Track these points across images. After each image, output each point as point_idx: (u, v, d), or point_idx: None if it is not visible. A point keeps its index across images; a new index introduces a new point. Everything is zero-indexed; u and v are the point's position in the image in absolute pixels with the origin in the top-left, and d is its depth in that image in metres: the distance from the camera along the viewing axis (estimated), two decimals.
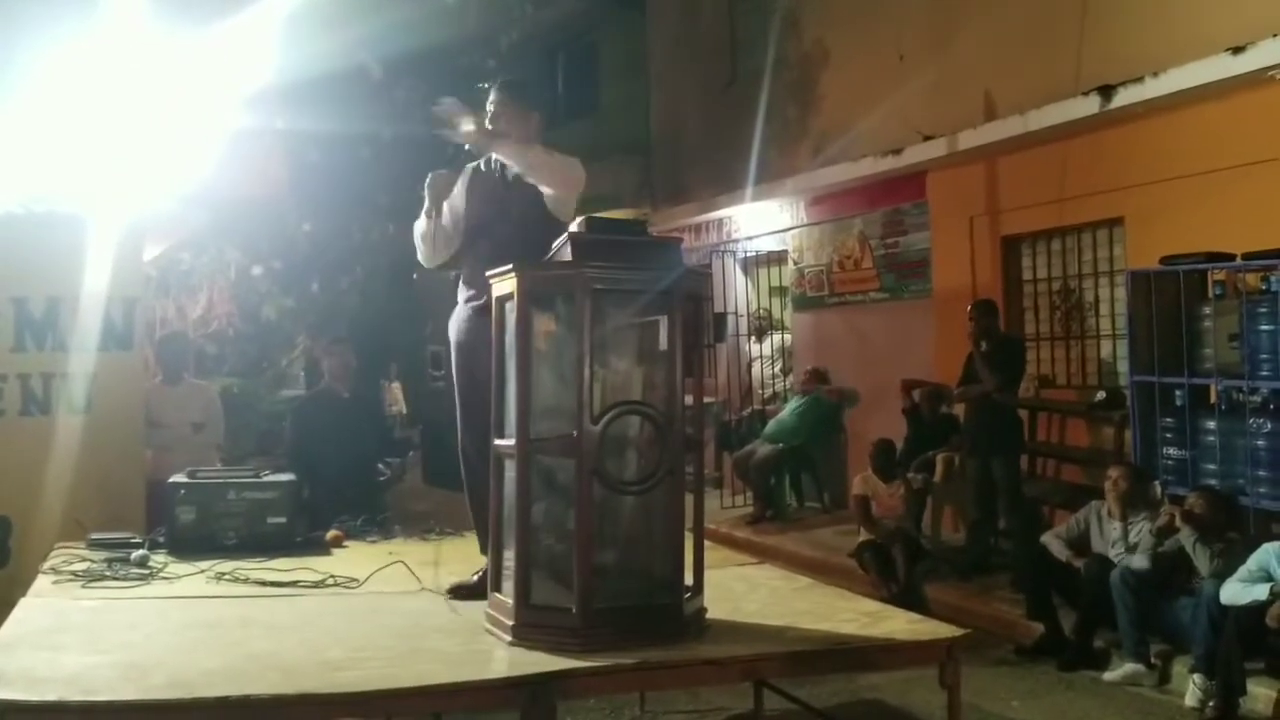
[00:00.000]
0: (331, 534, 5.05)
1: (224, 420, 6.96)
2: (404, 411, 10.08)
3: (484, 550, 3.98)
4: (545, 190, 3.95)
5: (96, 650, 3.27)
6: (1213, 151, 7.10)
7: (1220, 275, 6.57)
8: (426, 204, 4.15)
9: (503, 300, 3.58)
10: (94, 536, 4.71)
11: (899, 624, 3.74)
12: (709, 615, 3.64)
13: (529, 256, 3.66)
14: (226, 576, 4.25)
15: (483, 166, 4.15)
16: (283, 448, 6.99)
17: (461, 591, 3.92)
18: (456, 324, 4.15)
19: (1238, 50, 6.53)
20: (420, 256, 4.29)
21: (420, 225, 4.19)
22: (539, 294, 3.44)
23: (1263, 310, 6.16)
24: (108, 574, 4.24)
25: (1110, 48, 7.66)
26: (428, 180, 4.16)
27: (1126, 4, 7.63)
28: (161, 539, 4.73)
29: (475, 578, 3.92)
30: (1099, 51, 7.76)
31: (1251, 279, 6.37)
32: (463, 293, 4.17)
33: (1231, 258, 6.38)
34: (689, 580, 3.56)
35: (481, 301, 3.95)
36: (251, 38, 7.34)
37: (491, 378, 3.64)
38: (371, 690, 3.00)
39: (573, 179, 4.02)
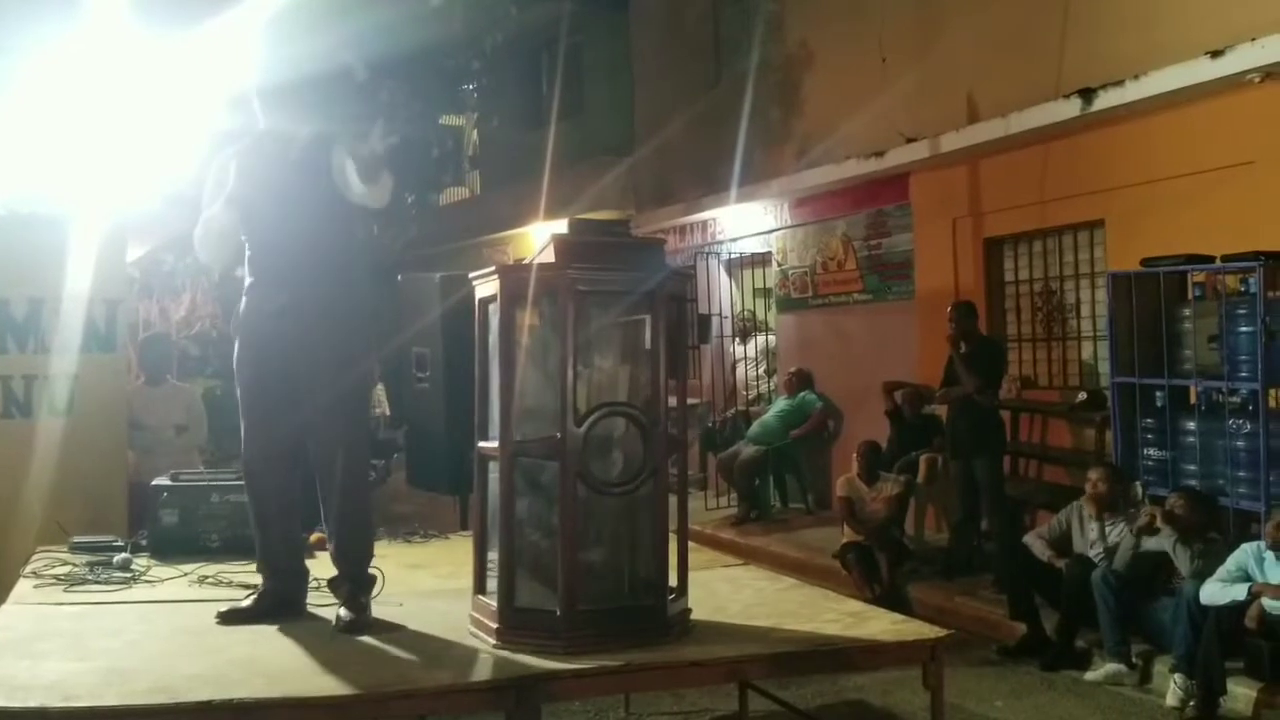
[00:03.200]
0: (315, 537, 5.01)
1: (207, 422, 6.93)
2: (387, 413, 10.05)
3: (260, 567, 3.89)
4: (353, 191, 3.67)
5: (78, 656, 3.26)
6: (1193, 154, 7.15)
7: (1200, 277, 6.61)
8: (238, 188, 3.74)
9: (485, 302, 3.59)
10: (76, 540, 4.69)
11: (883, 625, 3.76)
12: (693, 616, 3.65)
13: (323, 246, 3.64)
14: (210, 580, 4.24)
15: (256, 144, 3.80)
16: None
17: (232, 616, 3.69)
18: (244, 325, 3.78)
19: (1217, 54, 6.58)
20: (208, 259, 3.91)
21: (225, 217, 3.73)
22: (522, 296, 3.45)
23: (1242, 312, 6.20)
24: (90, 578, 4.23)
25: (1091, 51, 7.70)
26: (240, 162, 3.76)
27: (1107, 8, 7.68)
28: (144, 542, 4.72)
29: (247, 601, 3.78)
30: (1080, 54, 7.80)
31: (1231, 281, 6.41)
32: (251, 290, 3.77)
33: (1211, 260, 6.42)
34: (674, 581, 3.57)
35: (276, 305, 3.67)
36: (235, 38, 7.31)
37: (284, 382, 3.63)
38: (355, 694, 3.00)
39: (377, 196, 3.76)
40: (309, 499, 5.56)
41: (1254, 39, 6.38)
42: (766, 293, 12.08)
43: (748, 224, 11.91)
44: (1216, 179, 7.00)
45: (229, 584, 4.19)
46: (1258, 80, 6.59)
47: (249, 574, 4.31)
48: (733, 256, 12.23)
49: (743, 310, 12.06)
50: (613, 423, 3.50)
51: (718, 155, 11.52)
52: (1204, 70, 6.67)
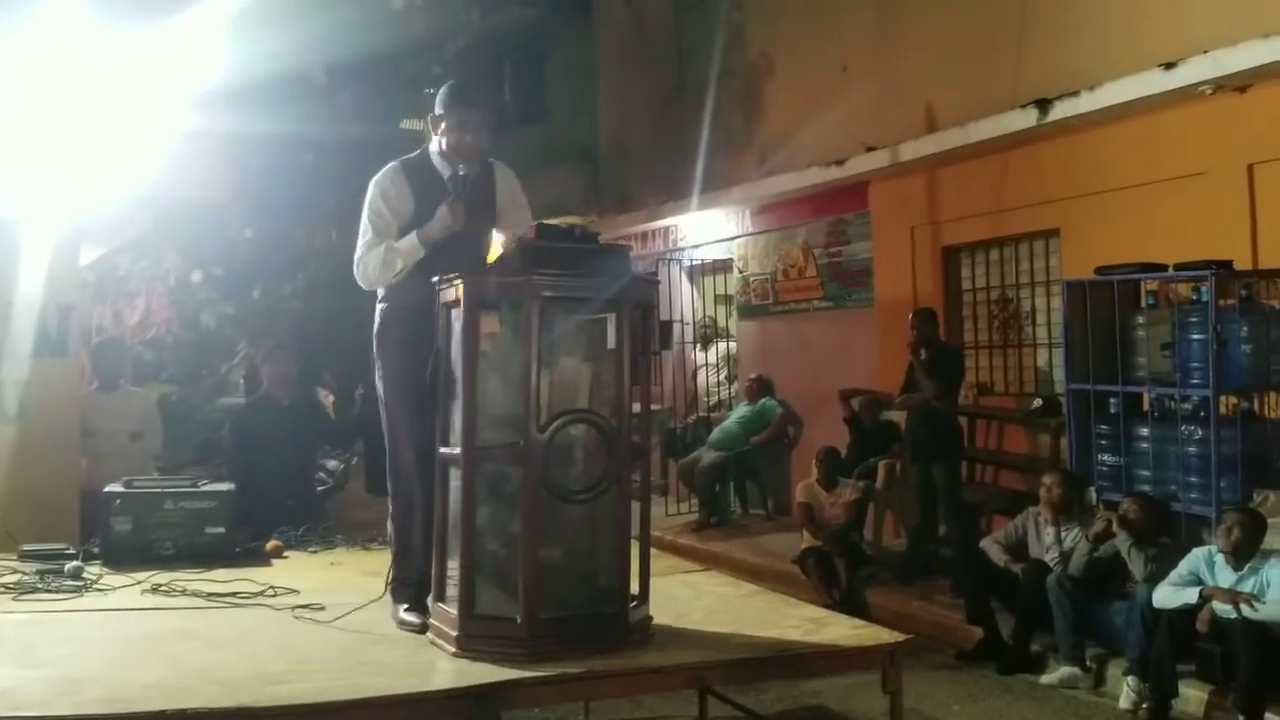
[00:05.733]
0: (271, 544, 4.99)
1: (162, 428, 6.83)
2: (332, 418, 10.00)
3: (409, 570, 3.91)
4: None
5: (28, 664, 3.20)
6: (1146, 165, 7.26)
7: (1153, 286, 6.71)
8: (435, 234, 3.77)
9: (448, 307, 3.56)
10: (26, 548, 4.61)
11: (842, 630, 3.78)
12: (654, 622, 3.64)
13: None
14: (163, 588, 4.19)
15: (436, 170, 3.88)
16: (222, 456, 6.88)
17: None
18: (411, 337, 3.78)
19: (1170, 66, 6.69)
20: (376, 281, 3.85)
21: (415, 255, 3.79)
22: (487, 301, 3.43)
23: (1194, 320, 6.30)
24: (40, 586, 4.16)
25: (1048, 62, 7.81)
26: (450, 209, 3.78)
27: (1064, 20, 7.79)
28: (96, 550, 4.65)
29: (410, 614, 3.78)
30: (1037, 65, 7.91)
31: (1183, 289, 6.51)
32: (418, 306, 3.78)
33: (1164, 269, 6.52)
34: (635, 588, 3.56)
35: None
36: (194, 39, 7.23)
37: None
38: (313, 703, 2.97)
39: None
40: (269, 506, 5.55)
41: (1205, 51, 6.50)
42: (728, 299, 12.12)
43: (709, 231, 11.95)
44: (1169, 189, 7.11)
45: (183, 592, 4.13)
46: (1209, 92, 6.71)
47: (203, 581, 4.27)
48: (694, 263, 12.26)
49: (704, 317, 12.10)
50: (575, 429, 3.49)
51: (680, 162, 11.56)
52: (1157, 82, 6.79)
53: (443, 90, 3.97)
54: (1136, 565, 5.83)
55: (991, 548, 6.53)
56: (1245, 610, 5.11)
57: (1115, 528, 5.94)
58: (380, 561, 4.80)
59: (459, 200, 3.80)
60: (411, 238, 3.80)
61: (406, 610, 3.75)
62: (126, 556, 4.54)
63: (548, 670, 3.24)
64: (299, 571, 4.53)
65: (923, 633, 6.39)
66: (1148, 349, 6.57)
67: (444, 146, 3.89)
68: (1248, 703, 4.99)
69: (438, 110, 3.91)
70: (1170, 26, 6.93)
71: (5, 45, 6.28)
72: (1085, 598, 5.98)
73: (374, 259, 3.83)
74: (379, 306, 3.93)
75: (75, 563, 4.40)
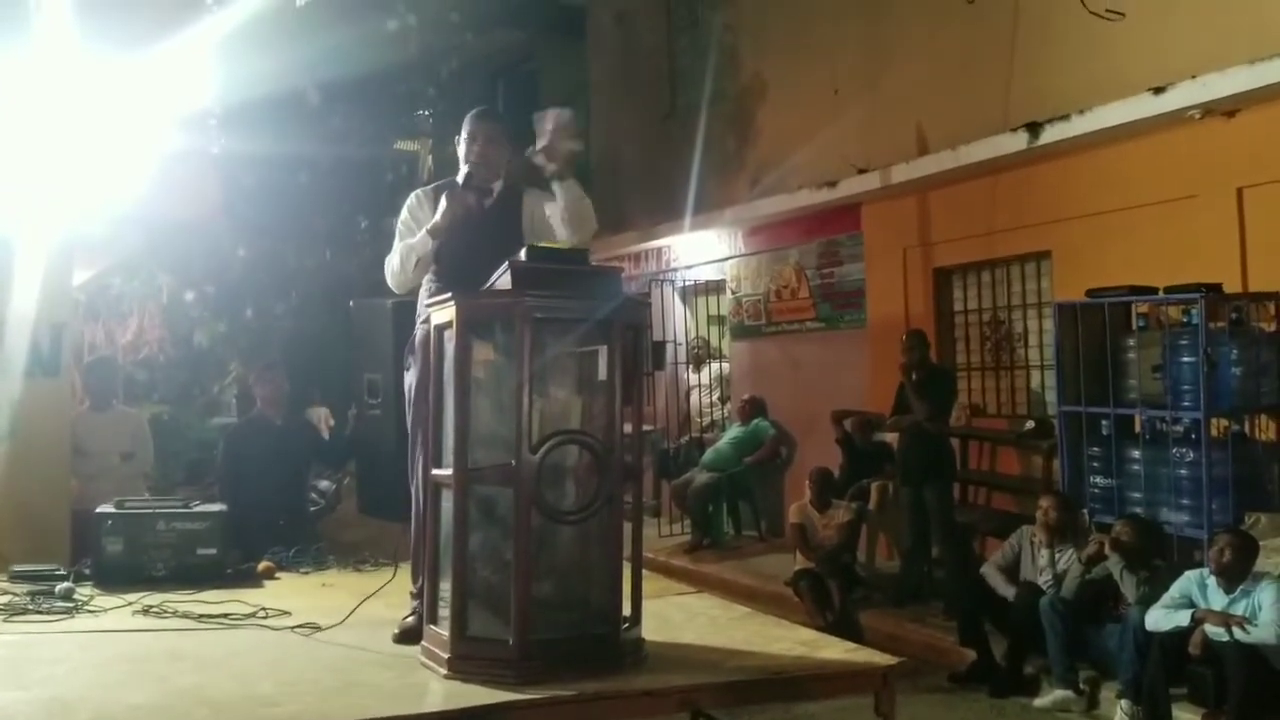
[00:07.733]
0: (263, 565, 4.98)
1: (153, 448, 6.81)
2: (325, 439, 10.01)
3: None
4: (561, 235, 3.99)
5: (19, 686, 3.19)
6: (1136, 188, 7.31)
7: (1144, 308, 6.75)
8: (440, 222, 3.96)
9: (441, 329, 3.57)
10: (16, 568, 4.60)
11: (835, 653, 3.77)
12: (646, 645, 3.64)
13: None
14: (154, 609, 4.17)
15: (461, 186, 4.04)
16: (214, 476, 6.86)
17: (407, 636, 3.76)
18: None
19: (1159, 90, 6.75)
20: (399, 280, 4.07)
21: (424, 246, 3.98)
22: (478, 322, 3.43)
23: (1184, 342, 6.33)
24: (31, 607, 4.15)
25: (1038, 86, 7.87)
26: (449, 201, 3.98)
27: (1054, 44, 7.85)
28: (87, 571, 4.64)
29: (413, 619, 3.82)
30: (1027, 89, 7.97)
31: (1173, 312, 6.55)
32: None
33: (1154, 291, 6.56)
34: (627, 610, 3.56)
35: None
36: (187, 59, 7.25)
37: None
38: None
39: (590, 232, 4.09)
40: (261, 526, 5.53)
41: (1194, 76, 6.55)
42: (720, 320, 12.14)
43: (702, 251, 11.98)
44: (1160, 212, 7.16)
45: (174, 613, 4.12)
46: (1198, 116, 6.77)
47: (195, 603, 4.25)
48: (687, 284, 12.29)
49: (696, 337, 12.11)
50: (567, 450, 3.49)
51: (672, 183, 11.59)
52: (1147, 106, 6.84)
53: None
54: (1129, 588, 5.83)
55: (993, 575, 6.42)
56: (1237, 633, 5.12)
57: (1107, 550, 5.94)
58: (373, 582, 4.80)
59: (465, 190, 4.02)
60: (421, 231, 4.03)
61: None
62: (118, 577, 4.53)
63: (539, 693, 3.23)
64: (291, 593, 4.51)
65: (916, 655, 6.40)
66: (1139, 371, 6.60)
67: (462, 159, 4.09)
68: None
69: (461, 135, 4.14)
70: (1159, 52, 6.99)
71: None
72: (1078, 620, 5.98)
73: (395, 256, 4.09)
74: (418, 325, 4.03)
75: (66, 584, 4.38)
